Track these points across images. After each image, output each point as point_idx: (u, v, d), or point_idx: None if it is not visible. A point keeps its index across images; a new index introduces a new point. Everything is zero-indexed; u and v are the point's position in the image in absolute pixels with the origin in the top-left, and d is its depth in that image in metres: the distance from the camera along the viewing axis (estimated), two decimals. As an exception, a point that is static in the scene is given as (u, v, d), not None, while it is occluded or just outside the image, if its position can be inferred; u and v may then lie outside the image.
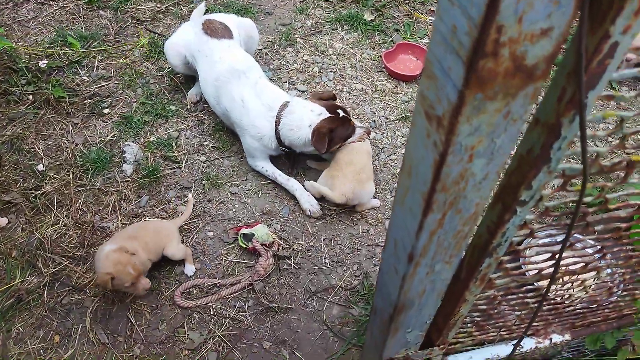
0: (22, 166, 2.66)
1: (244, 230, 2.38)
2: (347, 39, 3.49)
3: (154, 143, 2.81)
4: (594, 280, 1.26)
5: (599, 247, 1.11)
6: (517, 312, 1.28)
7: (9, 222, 2.45)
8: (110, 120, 2.91)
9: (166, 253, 2.24)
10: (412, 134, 0.69)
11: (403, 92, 3.19)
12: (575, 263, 1.07)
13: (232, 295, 2.26)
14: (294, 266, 2.39)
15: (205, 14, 2.94)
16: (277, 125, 2.53)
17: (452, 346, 1.29)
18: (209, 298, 2.24)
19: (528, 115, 0.61)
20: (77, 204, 2.52)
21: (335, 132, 2.48)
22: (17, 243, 2.38)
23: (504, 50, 0.50)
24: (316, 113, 2.49)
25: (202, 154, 2.81)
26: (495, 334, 1.34)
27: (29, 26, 3.40)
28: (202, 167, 2.75)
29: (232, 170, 2.75)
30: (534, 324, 1.39)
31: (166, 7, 3.60)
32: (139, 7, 3.57)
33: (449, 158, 0.62)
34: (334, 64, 3.32)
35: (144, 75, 3.16)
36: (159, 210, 2.54)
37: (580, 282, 1.24)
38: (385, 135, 2.95)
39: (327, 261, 2.42)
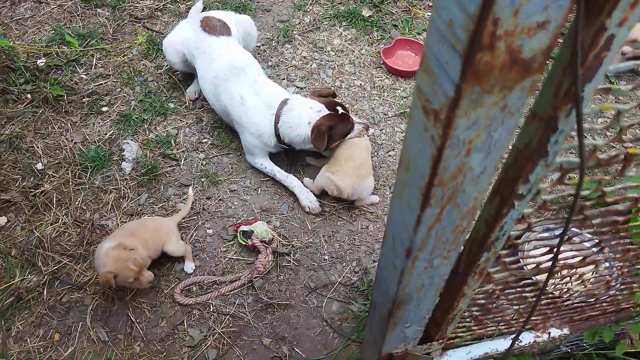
0: (21, 165, 2.66)
1: (243, 227, 2.39)
2: (346, 35, 3.48)
3: (153, 141, 2.81)
4: (592, 274, 1.26)
5: (597, 241, 1.11)
6: (515, 307, 1.29)
7: (8, 220, 2.45)
8: (109, 118, 2.91)
9: (166, 250, 2.25)
10: (409, 128, 0.69)
11: (401, 88, 3.18)
12: (573, 257, 1.08)
13: (231, 292, 2.27)
14: (293, 263, 2.39)
15: (203, 11, 2.92)
16: (276, 122, 2.52)
17: (451, 341, 1.29)
18: (209, 295, 2.24)
19: (525, 108, 0.61)
20: (77, 203, 2.52)
21: (334, 129, 2.48)
22: (17, 242, 2.38)
23: (500, 43, 0.50)
24: (315, 110, 2.49)
25: (201, 152, 2.80)
26: (493, 328, 1.35)
27: (27, 25, 3.39)
28: (201, 164, 2.75)
29: (231, 168, 2.75)
30: (533, 318, 1.40)
31: (164, 5, 3.59)
32: (137, 4, 3.56)
33: (446, 152, 0.62)
34: (333, 61, 3.31)
35: (142, 73, 3.15)
36: (158, 208, 2.55)
37: (578, 276, 1.25)
38: (383, 131, 2.95)
39: (326, 257, 2.42)
